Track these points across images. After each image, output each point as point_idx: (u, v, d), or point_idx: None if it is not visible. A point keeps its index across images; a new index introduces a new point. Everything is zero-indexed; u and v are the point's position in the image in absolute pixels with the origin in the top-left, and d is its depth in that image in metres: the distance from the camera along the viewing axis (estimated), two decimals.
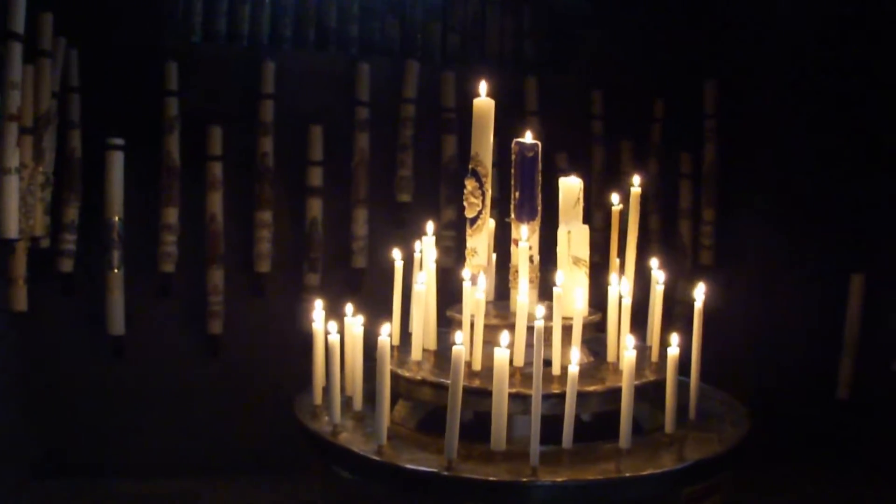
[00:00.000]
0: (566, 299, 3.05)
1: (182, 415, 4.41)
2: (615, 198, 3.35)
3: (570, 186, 3.25)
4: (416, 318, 3.08)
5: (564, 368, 2.84)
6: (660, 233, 4.79)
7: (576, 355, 2.73)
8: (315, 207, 4.40)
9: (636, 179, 3.27)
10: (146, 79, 4.23)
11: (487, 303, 3.35)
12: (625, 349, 2.83)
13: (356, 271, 4.48)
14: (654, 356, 3.24)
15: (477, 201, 3.13)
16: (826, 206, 4.57)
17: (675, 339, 2.92)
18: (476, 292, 2.97)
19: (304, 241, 4.42)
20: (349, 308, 3.12)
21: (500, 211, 4.06)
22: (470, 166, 3.15)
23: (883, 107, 4.35)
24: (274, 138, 4.34)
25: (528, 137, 3.17)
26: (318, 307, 3.17)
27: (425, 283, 3.09)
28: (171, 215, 4.22)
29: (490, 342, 2.90)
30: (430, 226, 3.28)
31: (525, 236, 3.09)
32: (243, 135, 4.34)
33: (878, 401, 4.42)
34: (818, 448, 4.52)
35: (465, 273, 3.08)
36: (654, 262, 3.34)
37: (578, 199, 3.26)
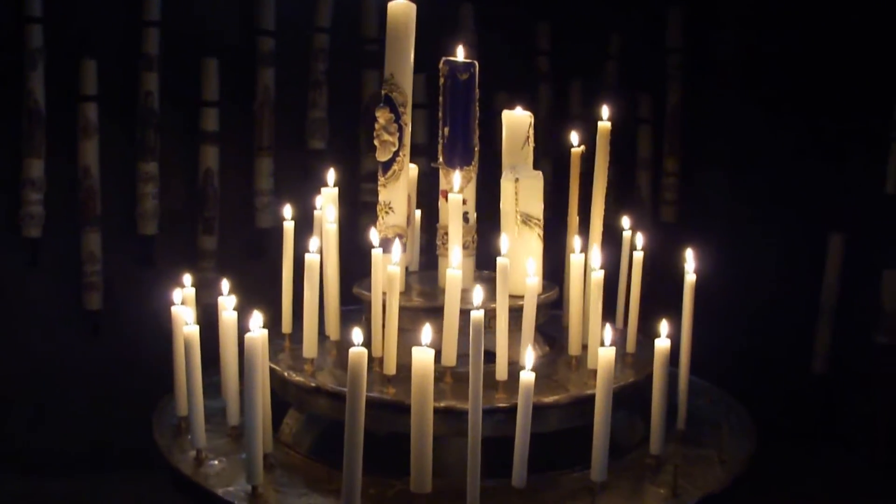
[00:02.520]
0: (513, 271, 2.03)
1: (58, 405, 3.35)
2: (574, 137, 2.31)
3: (517, 121, 2.24)
4: (308, 298, 2.02)
5: (514, 367, 1.82)
6: (615, 186, 3.75)
7: (531, 357, 1.70)
8: (210, 157, 3.34)
9: (605, 112, 2.24)
10: (3, 3, 3.14)
11: (412, 273, 2.33)
12: (598, 344, 1.80)
13: (260, 233, 3.43)
14: (631, 345, 2.22)
15: (392, 139, 2.09)
16: (803, 156, 3.57)
17: (664, 326, 1.90)
18: (388, 263, 1.93)
19: (197, 198, 3.37)
20: (224, 285, 2.06)
21: (429, 158, 3.01)
22: (383, 91, 2.10)
23: (871, 42, 3.35)
24: (160, 74, 3.26)
25: (460, 55, 2.13)
26: (185, 281, 2.12)
27: (319, 251, 2.03)
28: (36, 168, 3.15)
29: (410, 331, 1.88)
30: (330, 174, 2.23)
31: (458, 186, 2.05)
32: (123, 70, 3.26)
33: (858, 375, 3.50)
34: (791, 427, 3.55)
35: (374, 236, 2.04)
36: (625, 221, 2.33)
37: (528, 137, 2.24)
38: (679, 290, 2.16)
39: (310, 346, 2.01)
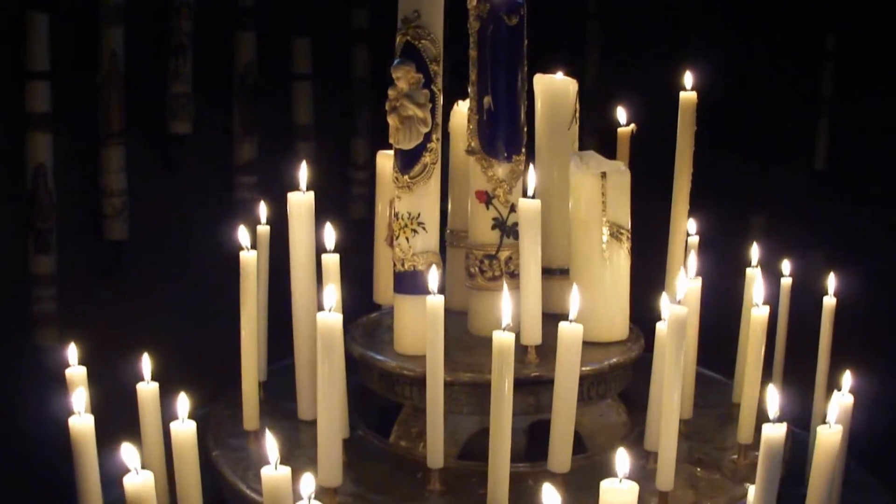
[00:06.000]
0: (600, 306, 1.22)
1: None
2: (621, 114, 1.51)
3: (560, 89, 1.40)
4: (324, 379, 1.07)
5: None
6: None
7: None
8: (41, 147, 2.26)
9: (689, 79, 1.42)
10: None
11: (385, 312, 1.47)
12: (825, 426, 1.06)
13: (112, 246, 2.37)
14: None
15: (421, 113, 1.19)
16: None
17: (847, 379, 1.16)
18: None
19: (26, 204, 2.27)
20: (145, 364, 1.11)
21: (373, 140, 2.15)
22: (399, 39, 1.20)
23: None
24: None
25: None
26: (70, 354, 1.15)
27: (334, 308, 1.08)
28: None
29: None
30: (303, 170, 1.30)
31: (533, 185, 1.20)
32: None
33: None
34: None
35: (435, 280, 1.13)
36: (689, 223, 1.57)
37: (574, 113, 1.41)
38: None
39: (331, 471, 1.06)
